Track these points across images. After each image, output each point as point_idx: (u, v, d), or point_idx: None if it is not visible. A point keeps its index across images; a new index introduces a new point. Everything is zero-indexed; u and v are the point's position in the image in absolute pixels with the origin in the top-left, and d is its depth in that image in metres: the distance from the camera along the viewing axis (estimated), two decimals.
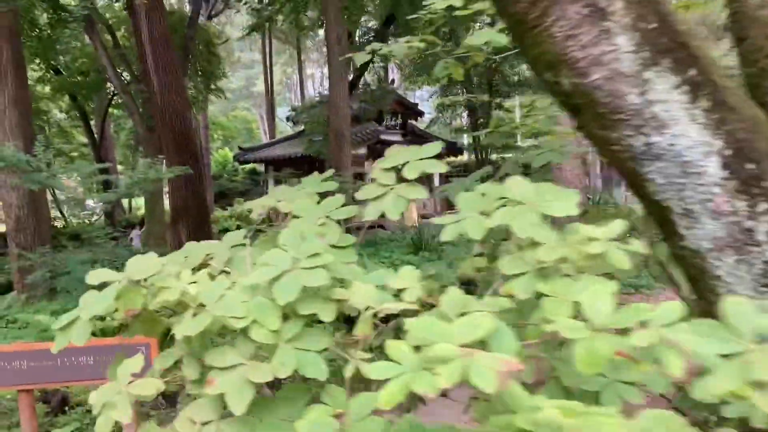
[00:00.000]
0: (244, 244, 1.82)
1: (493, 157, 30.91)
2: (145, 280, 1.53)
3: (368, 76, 23.39)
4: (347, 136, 14.84)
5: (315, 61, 48.87)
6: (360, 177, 17.02)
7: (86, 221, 14.30)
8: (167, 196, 12.82)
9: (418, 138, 27.82)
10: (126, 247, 12.82)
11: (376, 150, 23.74)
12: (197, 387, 1.45)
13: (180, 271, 1.58)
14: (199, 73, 22.18)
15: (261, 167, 32.66)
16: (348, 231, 1.71)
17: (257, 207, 1.98)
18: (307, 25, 20.63)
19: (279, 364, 1.34)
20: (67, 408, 5.64)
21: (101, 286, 1.52)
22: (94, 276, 1.57)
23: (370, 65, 22.51)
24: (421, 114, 29.75)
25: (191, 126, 11.89)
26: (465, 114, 32.34)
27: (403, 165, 1.70)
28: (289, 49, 42.47)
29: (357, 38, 22.51)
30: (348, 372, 1.36)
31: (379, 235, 14.22)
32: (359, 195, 1.74)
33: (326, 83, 18.45)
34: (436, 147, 1.73)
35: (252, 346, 1.40)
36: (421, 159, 1.68)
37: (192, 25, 17.86)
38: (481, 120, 29.39)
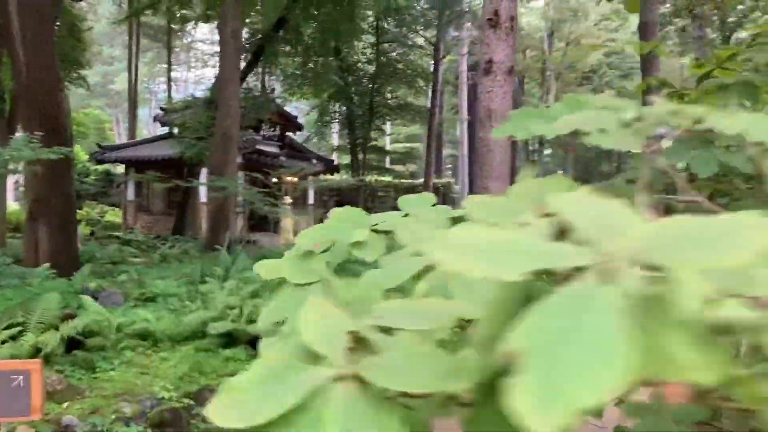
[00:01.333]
0: None
1: (368, 179, 30.54)
2: None
3: (250, 81, 22.10)
4: (235, 139, 13.61)
5: (184, 63, 46.42)
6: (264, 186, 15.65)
7: None
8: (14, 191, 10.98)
9: (295, 152, 26.81)
10: None
11: (252, 160, 22.50)
12: None
13: None
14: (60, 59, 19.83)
15: (117, 169, 30.12)
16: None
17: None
18: (191, 17, 19.03)
19: None
20: None
21: None
22: None
23: (254, 70, 21.31)
24: (300, 127, 28.74)
25: (63, 110, 10.16)
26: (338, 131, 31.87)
27: None
28: (157, 48, 39.88)
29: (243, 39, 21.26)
30: None
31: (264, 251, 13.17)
32: None
33: (194, 87, 17.14)
34: None
35: None
36: None
37: (57, 3, 15.83)
38: (360, 139, 28.92)
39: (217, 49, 18.13)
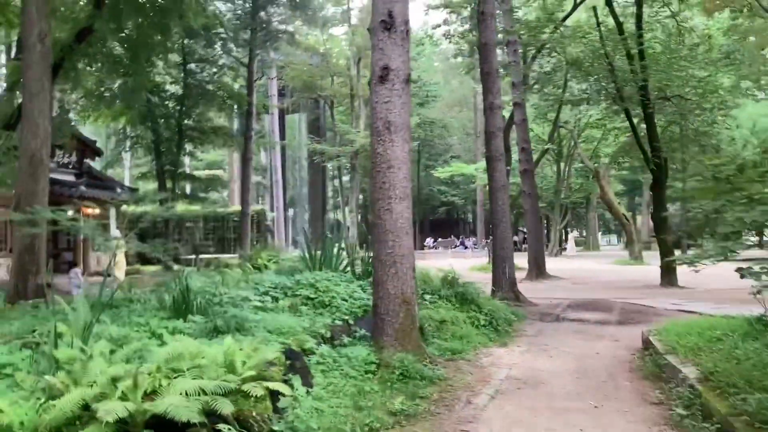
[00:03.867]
0: None
1: (179, 208, 28.15)
2: None
3: None
4: (46, 163, 11.27)
5: None
6: None
7: None
8: None
9: (95, 180, 23.86)
10: None
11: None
12: None
13: None
14: None
15: None
16: None
17: None
18: None
19: None
20: None
21: None
22: None
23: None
24: (99, 153, 25.63)
25: None
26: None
27: None
28: None
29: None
30: None
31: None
32: None
33: None
34: None
35: None
36: None
37: None
38: (168, 167, 26.48)
39: None
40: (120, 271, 15.37)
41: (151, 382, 4.59)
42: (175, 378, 4.80)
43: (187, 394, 4.50)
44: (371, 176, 7.72)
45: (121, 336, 6.31)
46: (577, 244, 49.18)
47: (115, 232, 15.71)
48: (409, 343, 7.25)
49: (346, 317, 8.42)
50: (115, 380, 4.56)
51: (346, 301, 8.96)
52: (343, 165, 50.00)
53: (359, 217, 49.86)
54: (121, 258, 15.08)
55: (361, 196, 50.46)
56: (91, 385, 4.54)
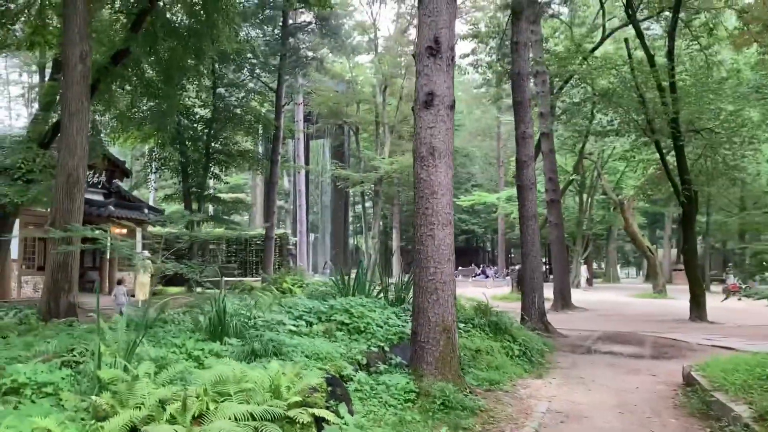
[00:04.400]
0: None
1: (203, 230, 28.19)
2: None
3: None
4: (83, 181, 11.39)
5: None
6: None
7: None
8: None
9: (123, 200, 24.07)
10: None
11: None
12: None
13: None
14: None
15: None
16: None
17: None
18: (11, 43, 16.12)
19: None
20: None
21: None
22: None
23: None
24: (128, 174, 25.89)
25: None
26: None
27: None
28: None
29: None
30: None
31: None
32: None
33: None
34: None
35: None
36: None
37: None
38: (195, 189, 26.63)
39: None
40: (143, 291, 15.37)
41: (199, 405, 4.51)
42: (222, 401, 4.73)
43: (236, 418, 4.42)
44: (414, 202, 7.65)
45: (158, 357, 6.25)
46: (595, 276, 48.63)
47: (143, 252, 15.69)
48: (449, 372, 7.11)
49: (382, 344, 8.31)
50: (162, 402, 4.49)
51: (381, 327, 8.85)
52: (366, 191, 50.09)
53: (380, 244, 49.75)
54: (146, 279, 15.08)
55: (381, 223, 50.41)
56: (139, 407, 4.47)
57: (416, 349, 7.38)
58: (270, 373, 5.32)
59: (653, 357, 11.57)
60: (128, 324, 6.42)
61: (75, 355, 6.40)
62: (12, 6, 15.16)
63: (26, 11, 15.51)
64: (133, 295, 15.68)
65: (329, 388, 6.09)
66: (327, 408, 5.56)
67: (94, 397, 4.58)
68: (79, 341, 7.32)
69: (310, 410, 4.95)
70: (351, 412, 6.00)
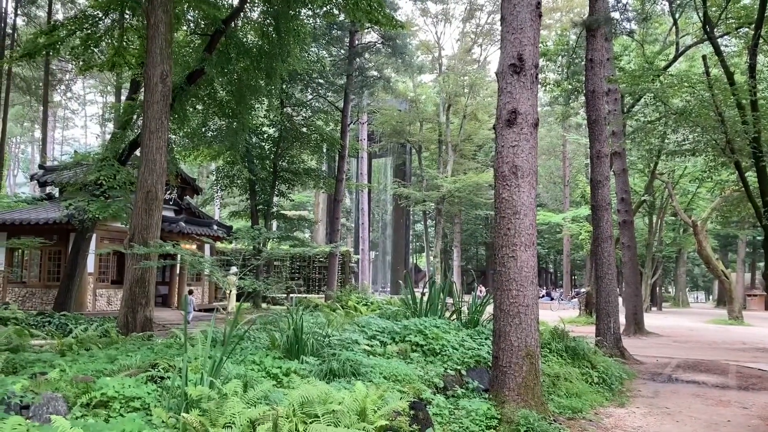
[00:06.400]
0: None
1: (269, 247, 28.58)
2: None
3: None
4: (161, 198, 11.64)
5: (57, 120, 42.55)
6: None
7: None
8: None
9: (193, 216, 24.63)
10: None
11: None
12: None
13: None
14: None
15: None
16: None
17: None
18: (94, 65, 16.77)
19: None
20: None
21: None
22: None
23: None
24: (199, 191, 26.53)
25: None
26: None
27: None
28: (33, 103, 36.18)
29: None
30: None
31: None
32: None
33: (59, 148, 14.92)
34: None
35: None
36: None
37: None
38: (262, 206, 27.07)
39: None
40: (231, 306, 15.62)
41: (289, 426, 4.45)
42: (310, 423, 4.65)
43: None
44: (495, 222, 7.47)
45: (239, 374, 6.24)
46: (664, 299, 46.95)
47: (231, 267, 16.00)
48: (532, 398, 6.87)
49: (458, 367, 8.12)
50: (253, 423, 4.44)
51: (457, 350, 8.65)
52: (428, 210, 49.95)
53: (440, 262, 49.41)
54: (233, 294, 15.36)
55: (442, 242, 50.09)
56: (230, 427, 4.44)
57: (497, 373, 7.16)
58: (357, 395, 5.22)
59: (741, 388, 10.98)
60: (213, 342, 6.43)
61: (159, 371, 6.46)
62: (96, 30, 15.78)
63: (109, 33, 16.11)
64: (224, 309, 15.96)
65: (411, 412, 5.97)
66: None
67: (184, 414, 4.57)
68: (160, 356, 7.41)
69: None
70: None
